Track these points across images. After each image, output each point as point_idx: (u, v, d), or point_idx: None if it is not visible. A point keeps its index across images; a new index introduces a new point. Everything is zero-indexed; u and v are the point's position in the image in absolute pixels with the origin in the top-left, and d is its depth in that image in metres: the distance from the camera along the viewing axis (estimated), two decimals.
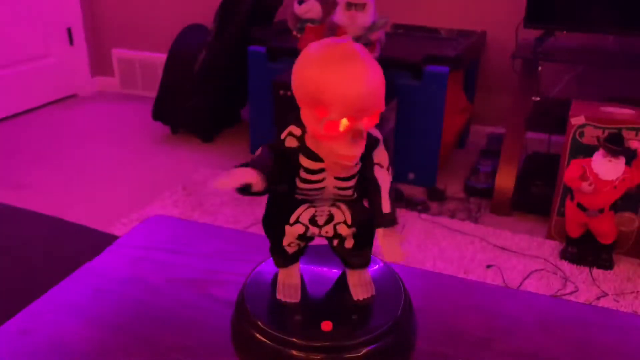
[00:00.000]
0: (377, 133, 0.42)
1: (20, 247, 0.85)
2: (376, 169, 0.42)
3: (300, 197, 0.43)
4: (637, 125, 1.57)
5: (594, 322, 0.53)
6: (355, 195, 0.44)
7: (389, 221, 0.41)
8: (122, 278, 0.59)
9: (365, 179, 0.42)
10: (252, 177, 0.38)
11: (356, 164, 0.41)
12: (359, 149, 0.38)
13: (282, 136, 0.41)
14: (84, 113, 2.85)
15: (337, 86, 0.36)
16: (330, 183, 0.42)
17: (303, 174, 0.41)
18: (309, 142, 0.40)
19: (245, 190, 0.38)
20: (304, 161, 0.41)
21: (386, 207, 0.41)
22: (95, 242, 0.71)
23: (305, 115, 0.38)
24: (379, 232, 0.41)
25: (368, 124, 0.38)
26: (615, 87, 2.01)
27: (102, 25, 3.02)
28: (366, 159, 0.41)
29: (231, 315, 0.48)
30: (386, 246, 0.41)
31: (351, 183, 0.42)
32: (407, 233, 1.75)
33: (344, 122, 0.36)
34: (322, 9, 2.10)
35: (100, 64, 3.10)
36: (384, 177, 0.42)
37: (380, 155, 0.42)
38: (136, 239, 0.66)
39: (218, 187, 0.37)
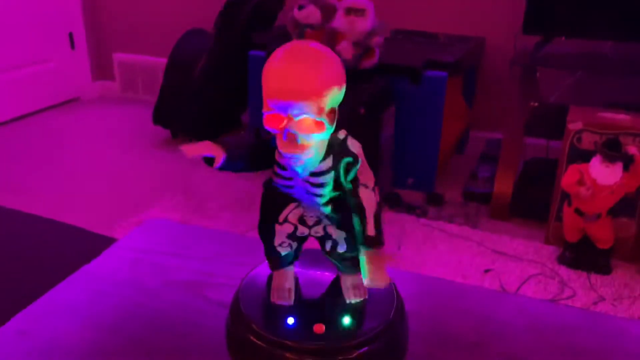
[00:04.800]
0: (357, 150, 0.42)
1: (19, 249, 0.85)
2: (361, 189, 0.42)
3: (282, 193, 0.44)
4: (634, 131, 1.58)
5: (586, 327, 0.54)
6: (331, 204, 0.43)
7: (374, 243, 0.42)
8: (120, 280, 0.59)
9: (350, 200, 0.42)
10: (217, 152, 0.42)
11: (326, 173, 0.42)
12: (293, 149, 0.39)
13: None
14: (85, 117, 2.86)
15: (269, 78, 0.38)
16: (301, 186, 0.43)
17: (276, 168, 0.43)
18: (279, 140, 0.41)
19: (209, 161, 0.43)
20: (277, 154, 0.42)
21: (370, 229, 0.42)
22: (94, 244, 0.71)
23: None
24: (363, 254, 0.42)
25: (300, 128, 0.38)
26: (613, 93, 2.02)
27: (103, 29, 3.03)
28: (341, 174, 0.42)
29: (226, 317, 0.49)
30: (369, 269, 0.42)
31: (323, 191, 0.42)
32: (405, 237, 1.75)
33: (284, 122, 0.38)
34: (322, 15, 2.10)
35: (101, 68, 3.11)
36: (369, 198, 0.42)
37: (366, 175, 0.42)
38: (134, 242, 0.66)
39: (183, 152, 0.42)
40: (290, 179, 0.43)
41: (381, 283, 0.43)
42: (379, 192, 0.43)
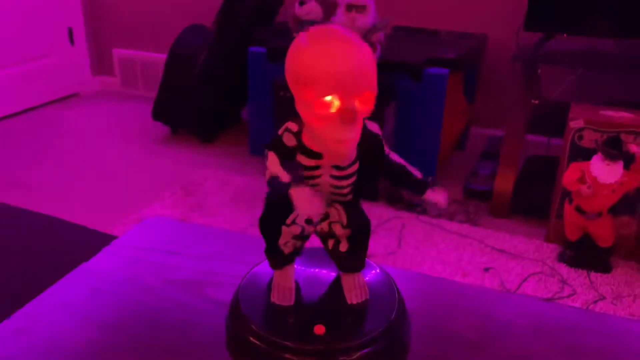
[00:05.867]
0: (377, 129, 0.42)
1: (18, 246, 0.85)
2: (391, 155, 0.44)
3: None
4: (635, 129, 1.58)
5: (586, 326, 0.54)
6: (351, 196, 0.44)
7: (425, 184, 0.45)
8: (119, 278, 0.59)
9: (387, 170, 0.44)
10: (310, 191, 0.40)
11: (353, 163, 0.42)
12: (351, 133, 0.38)
13: (280, 132, 0.41)
14: (85, 112, 2.86)
15: (326, 62, 0.36)
16: (325, 181, 0.42)
17: (301, 158, 0.42)
18: (306, 138, 0.41)
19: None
20: (301, 158, 0.41)
21: (417, 174, 0.45)
22: (93, 242, 0.71)
23: (299, 103, 0.39)
24: (429, 193, 0.45)
25: (361, 107, 0.37)
26: (614, 90, 2.01)
27: (103, 25, 3.02)
28: (367, 160, 0.42)
29: (225, 316, 0.49)
30: (437, 194, 0.45)
31: (347, 182, 0.43)
32: (405, 235, 1.75)
33: (336, 103, 0.37)
34: (323, 11, 2.10)
35: (101, 64, 3.10)
36: (398, 159, 0.44)
37: (387, 147, 0.44)
38: (133, 240, 0.66)
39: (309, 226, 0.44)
40: (317, 177, 0.42)
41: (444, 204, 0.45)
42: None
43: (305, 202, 0.41)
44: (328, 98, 0.37)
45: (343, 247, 0.46)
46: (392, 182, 0.45)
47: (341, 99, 0.37)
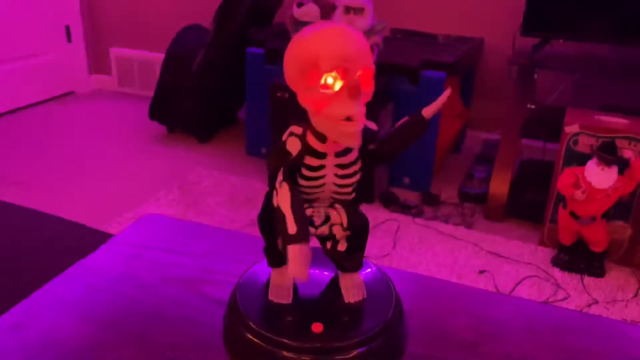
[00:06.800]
0: (373, 126, 0.44)
1: (15, 243, 0.85)
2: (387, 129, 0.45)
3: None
4: (630, 135, 1.59)
5: (581, 328, 0.54)
6: (354, 195, 0.45)
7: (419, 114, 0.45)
8: (116, 276, 0.59)
9: (396, 135, 0.44)
10: (309, 253, 0.41)
11: (355, 162, 0.43)
12: (358, 107, 0.39)
13: (284, 137, 0.42)
14: (81, 111, 2.85)
15: (327, 41, 0.38)
16: (330, 181, 0.43)
17: (304, 171, 0.43)
18: (311, 139, 0.42)
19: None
20: (307, 159, 0.42)
21: (404, 119, 0.45)
22: (90, 239, 0.71)
23: (303, 94, 0.40)
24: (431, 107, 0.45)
25: (363, 81, 0.39)
26: (610, 96, 2.03)
27: (100, 23, 3.02)
28: (366, 156, 0.43)
29: (223, 314, 0.49)
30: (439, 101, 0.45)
31: (351, 180, 0.44)
32: (400, 237, 1.75)
33: (339, 82, 0.38)
34: (321, 12, 2.10)
35: (98, 62, 3.10)
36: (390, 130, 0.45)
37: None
38: (130, 238, 0.66)
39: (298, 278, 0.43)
40: (321, 177, 0.43)
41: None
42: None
43: (298, 265, 0.42)
44: (331, 79, 0.38)
45: (341, 246, 0.46)
46: (399, 146, 0.45)
47: (344, 77, 0.38)
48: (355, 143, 0.41)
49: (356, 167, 0.43)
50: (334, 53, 0.38)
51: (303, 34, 0.40)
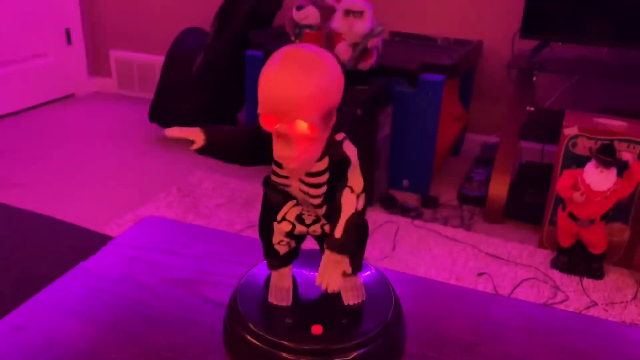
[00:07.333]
0: (352, 154, 0.42)
1: (15, 245, 0.85)
2: (346, 191, 0.41)
3: (281, 191, 0.45)
4: (628, 137, 1.59)
5: (580, 330, 0.54)
6: (324, 206, 0.44)
7: (338, 247, 0.41)
8: (116, 277, 0.59)
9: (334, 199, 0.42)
10: (197, 137, 0.42)
11: (322, 174, 0.42)
12: (291, 151, 0.39)
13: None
14: (81, 113, 2.85)
15: (269, 84, 0.38)
16: (296, 186, 0.43)
17: (274, 166, 0.43)
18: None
19: (191, 142, 0.43)
20: (275, 153, 0.42)
21: (338, 232, 0.41)
22: (90, 242, 0.71)
23: None
24: (324, 255, 0.42)
25: (292, 130, 0.38)
26: (608, 98, 2.03)
27: (100, 26, 3.02)
28: (339, 179, 0.42)
29: (223, 316, 0.49)
30: (324, 271, 0.42)
31: (317, 191, 0.43)
32: (399, 239, 1.76)
33: (277, 123, 0.38)
34: (321, 16, 2.11)
35: (97, 65, 3.10)
36: (349, 202, 0.41)
37: (355, 179, 0.42)
38: (130, 240, 0.66)
39: (166, 134, 0.43)
40: (286, 177, 0.43)
41: (330, 287, 0.42)
42: (365, 202, 0.42)
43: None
44: (265, 114, 0.39)
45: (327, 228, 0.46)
46: (325, 214, 0.44)
47: (278, 120, 0.38)
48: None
49: (322, 179, 0.42)
50: (267, 99, 0.38)
51: (272, 58, 0.39)
